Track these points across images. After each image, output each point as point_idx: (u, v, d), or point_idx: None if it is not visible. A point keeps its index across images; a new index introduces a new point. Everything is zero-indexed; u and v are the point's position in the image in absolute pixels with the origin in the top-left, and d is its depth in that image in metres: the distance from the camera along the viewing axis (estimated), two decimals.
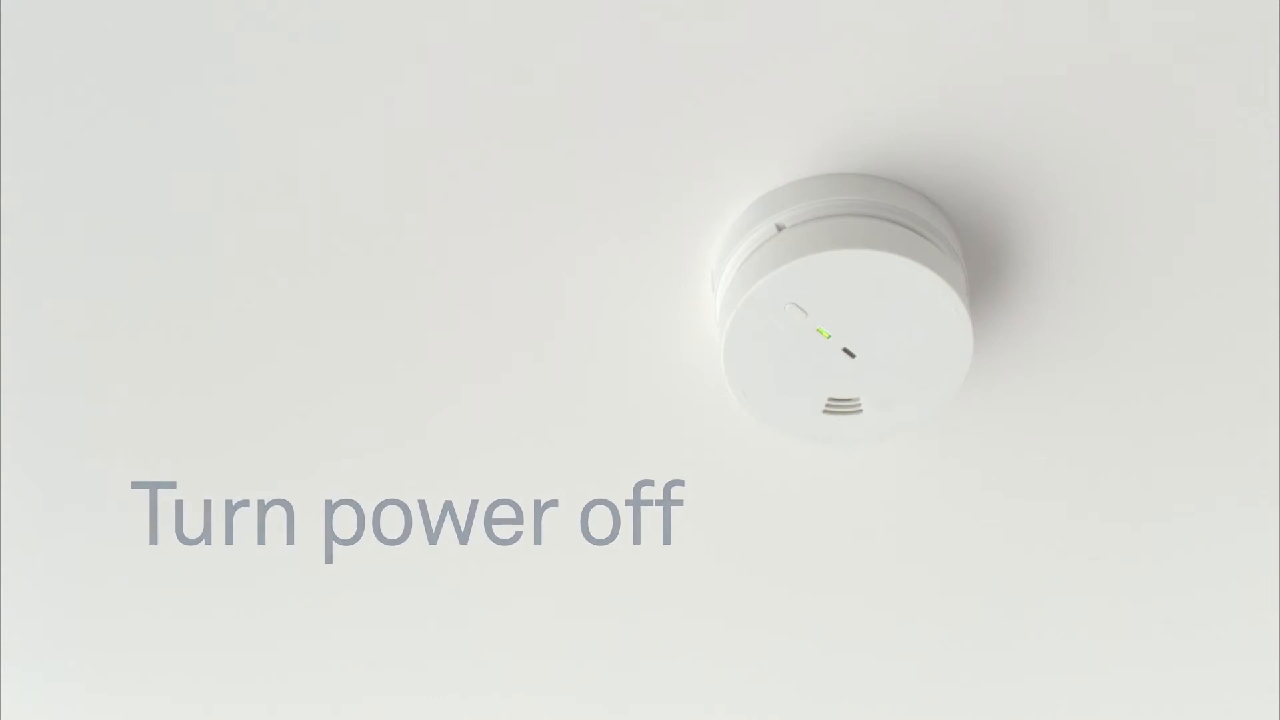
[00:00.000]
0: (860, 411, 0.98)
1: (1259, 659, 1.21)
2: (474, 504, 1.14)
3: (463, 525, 1.15)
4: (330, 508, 1.15)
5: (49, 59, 0.96)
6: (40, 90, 0.97)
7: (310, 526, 1.16)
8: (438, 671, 1.24)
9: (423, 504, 1.14)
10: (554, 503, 1.14)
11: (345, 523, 1.16)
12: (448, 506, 1.14)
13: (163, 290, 1.04)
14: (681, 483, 1.12)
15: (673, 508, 1.14)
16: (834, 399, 0.98)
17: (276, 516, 1.15)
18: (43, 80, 0.96)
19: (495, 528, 1.15)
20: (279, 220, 1.01)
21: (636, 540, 1.16)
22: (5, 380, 1.08)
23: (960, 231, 1.00)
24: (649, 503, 1.14)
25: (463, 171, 0.99)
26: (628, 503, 1.14)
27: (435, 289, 1.04)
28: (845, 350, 0.96)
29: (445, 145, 0.98)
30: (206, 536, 1.16)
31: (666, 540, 1.16)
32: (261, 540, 1.16)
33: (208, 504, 1.15)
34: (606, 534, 1.15)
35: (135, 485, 1.14)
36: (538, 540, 1.16)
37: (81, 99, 0.97)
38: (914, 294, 0.94)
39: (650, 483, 1.13)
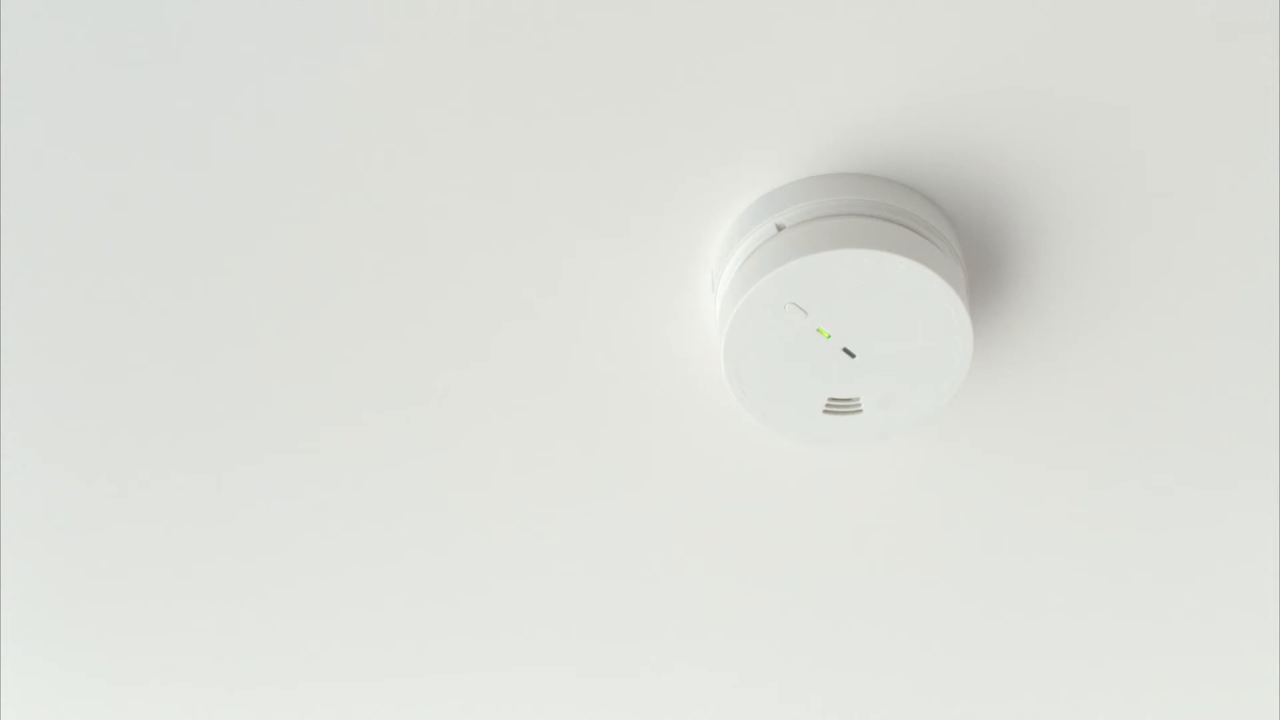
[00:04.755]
0: (860, 411, 0.98)
1: (1261, 661, 1.21)
2: (475, 504, 1.14)
3: (466, 524, 1.16)
4: (333, 501, 1.15)
5: (50, 58, 0.96)
6: (42, 88, 0.97)
7: (313, 512, 1.16)
8: (434, 663, 1.25)
9: (428, 504, 1.14)
10: (554, 502, 1.14)
11: (348, 520, 1.16)
12: (451, 507, 1.14)
13: (163, 280, 1.04)
14: (681, 483, 1.12)
15: (672, 507, 1.14)
16: (834, 399, 0.98)
17: (279, 499, 1.15)
18: (45, 79, 0.97)
19: (498, 527, 1.16)
20: (272, 218, 1.01)
21: (636, 540, 1.16)
22: (5, 374, 1.09)
23: (960, 231, 1.00)
24: (649, 502, 1.14)
25: (461, 173, 0.99)
26: (628, 502, 1.14)
27: (436, 290, 1.04)
28: (845, 350, 0.96)
29: (444, 147, 0.98)
30: (212, 517, 1.17)
31: (666, 540, 1.16)
32: (262, 521, 1.17)
33: (209, 486, 1.15)
34: (606, 533, 1.15)
35: (136, 474, 1.14)
36: (538, 539, 1.16)
37: (84, 99, 0.97)
38: (914, 294, 0.94)
39: (650, 482, 1.13)
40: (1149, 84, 0.95)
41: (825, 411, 0.98)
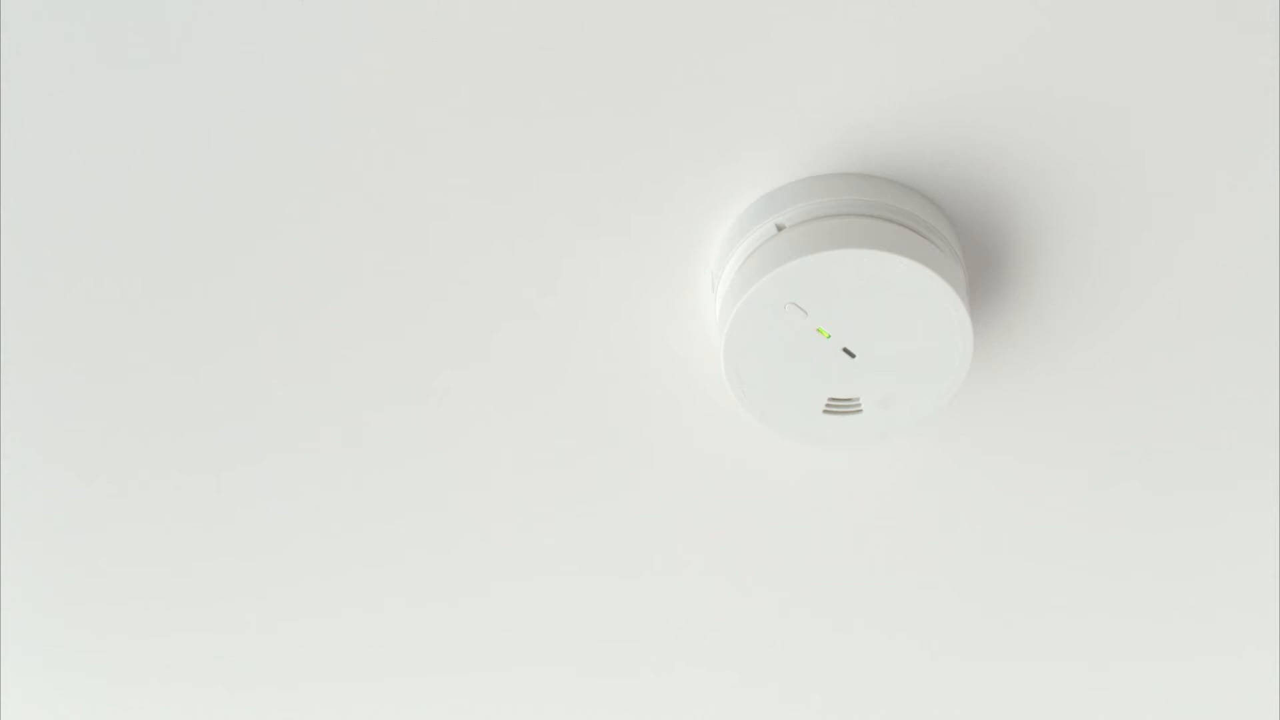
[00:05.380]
0: (860, 411, 0.98)
1: (1261, 661, 1.21)
2: (475, 504, 1.14)
3: (466, 524, 1.16)
4: (333, 501, 1.15)
5: (51, 58, 0.96)
6: (42, 88, 0.97)
7: (313, 512, 1.16)
8: (434, 663, 1.25)
9: (428, 504, 1.14)
10: (554, 502, 1.14)
11: (348, 520, 1.16)
12: (451, 507, 1.14)
13: (163, 280, 1.04)
14: (681, 483, 1.12)
15: (672, 507, 1.14)
16: (834, 399, 0.98)
17: (279, 499, 1.15)
18: (45, 79, 0.97)
19: (498, 527, 1.16)
20: (272, 218, 1.01)
21: (636, 540, 1.16)
22: (5, 374, 1.09)
23: (960, 231, 1.00)
24: (649, 502, 1.14)
25: (461, 173, 0.99)
26: (628, 502, 1.14)
27: (436, 290, 1.04)
28: (845, 350, 0.96)
29: (444, 147, 0.98)
30: (212, 517, 1.17)
31: (666, 540, 1.16)
32: (262, 521, 1.17)
33: (209, 486, 1.15)
34: (606, 533, 1.15)
35: (136, 474, 1.14)
36: (538, 539, 1.16)
37: (84, 99, 0.97)
38: (914, 294, 0.94)
39: (650, 483, 1.13)
40: (1149, 84, 0.95)
41: (825, 411, 0.98)
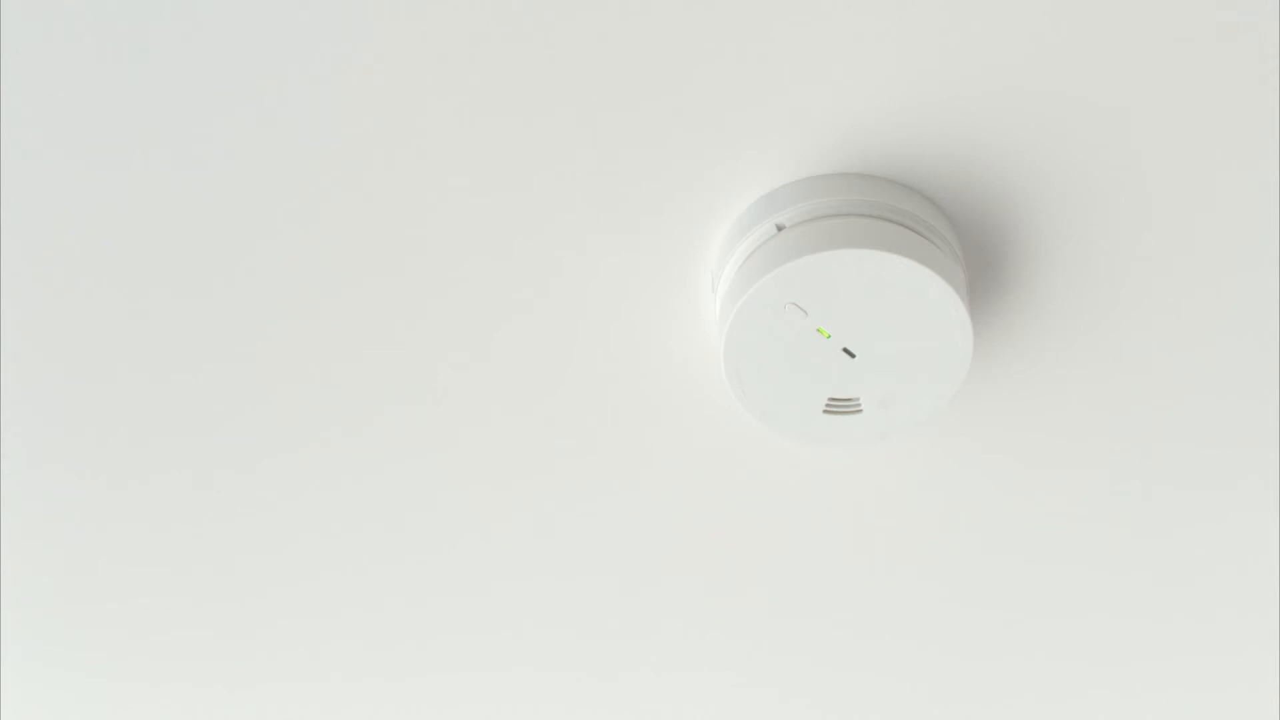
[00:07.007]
0: (860, 411, 0.98)
1: (1261, 661, 1.21)
2: (475, 504, 1.14)
3: (466, 524, 1.16)
4: (333, 501, 1.15)
5: (53, 57, 0.96)
6: (42, 88, 0.97)
7: (313, 512, 1.16)
8: (434, 663, 1.25)
9: (428, 504, 1.14)
10: (554, 502, 1.14)
11: (348, 520, 1.16)
12: (451, 507, 1.14)
13: (163, 280, 1.05)
14: (681, 483, 1.12)
15: (672, 507, 1.14)
16: (834, 399, 0.98)
17: (279, 499, 1.15)
18: (45, 79, 0.97)
19: (498, 527, 1.16)
20: (272, 218, 1.01)
21: (636, 540, 1.16)
22: (5, 374, 1.09)
23: (960, 231, 1.00)
24: (649, 502, 1.14)
25: (461, 173, 0.99)
26: (628, 502, 1.14)
27: (436, 290, 1.04)
28: (845, 350, 0.96)
29: (444, 147, 0.98)
30: (213, 517, 1.17)
31: (667, 540, 1.16)
32: (262, 521, 1.17)
33: (209, 486, 1.15)
34: (606, 533, 1.15)
35: (136, 474, 1.14)
36: (538, 539, 1.16)
37: (84, 99, 0.97)
38: (914, 294, 0.94)
39: (650, 483, 1.13)
40: (1149, 84, 0.95)
41: (825, 411, 0.98)
